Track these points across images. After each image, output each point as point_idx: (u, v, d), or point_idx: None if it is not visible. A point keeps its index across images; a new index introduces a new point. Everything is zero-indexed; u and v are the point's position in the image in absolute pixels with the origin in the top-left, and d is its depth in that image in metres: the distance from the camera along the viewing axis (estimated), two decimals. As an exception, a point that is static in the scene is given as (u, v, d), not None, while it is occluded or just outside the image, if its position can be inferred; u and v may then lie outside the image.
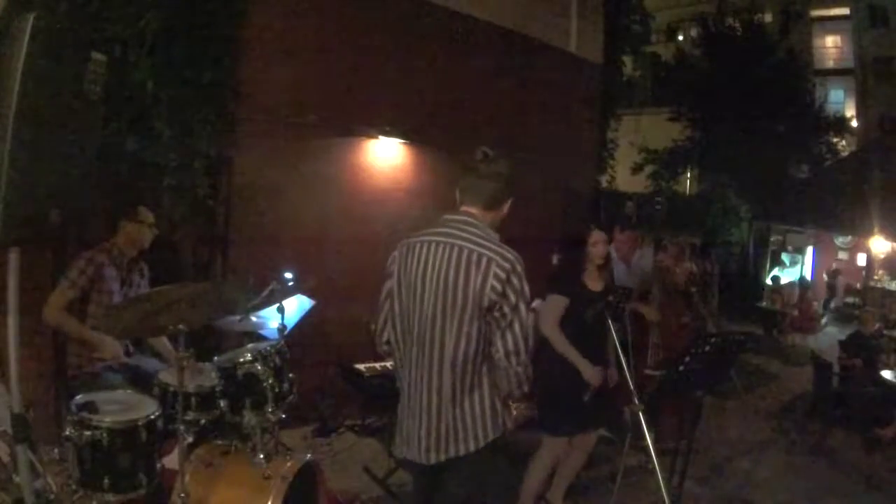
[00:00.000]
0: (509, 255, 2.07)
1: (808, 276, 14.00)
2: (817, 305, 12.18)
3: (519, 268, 2.06)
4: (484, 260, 2.05)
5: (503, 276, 2.03)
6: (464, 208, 2.19)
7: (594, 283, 3.45)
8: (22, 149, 1.93)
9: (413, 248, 2.17)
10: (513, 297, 2.05)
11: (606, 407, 3.67)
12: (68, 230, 3.77)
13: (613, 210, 8.78)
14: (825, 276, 14.70)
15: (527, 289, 2.08)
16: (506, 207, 2.24)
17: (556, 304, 3.36)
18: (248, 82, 4.54)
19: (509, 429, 2.24)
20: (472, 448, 2.14)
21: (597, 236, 3.42)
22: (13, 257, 2.12)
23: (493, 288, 2.03)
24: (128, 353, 3.34)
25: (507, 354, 2.07)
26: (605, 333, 3.39)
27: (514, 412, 2.23)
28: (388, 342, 2.29)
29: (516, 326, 2.06)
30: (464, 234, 2.10)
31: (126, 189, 3.96)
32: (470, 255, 2.06)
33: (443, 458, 2.15)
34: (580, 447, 3.57)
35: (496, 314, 2.05)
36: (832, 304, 13.95)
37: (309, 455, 2.89)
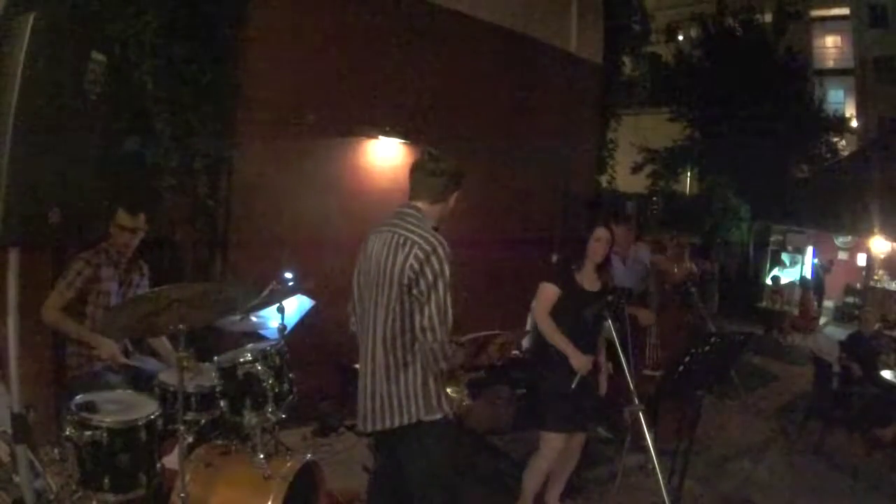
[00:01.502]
0: (432, 240, 2.26)
1: (809, 276, 13.96)
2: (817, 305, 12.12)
3: (440, 251, 2.24)
4: (409, 243, 2.27)
5: (422, 256, 2.23)
6: (411, 202, 2.42)
7: (590, 283, 3.42)
8: (22, 149, 1.93)
9: (369, 238, 2.45)
10: (430, 276, 2.22)
11: (600, 406, 3.67)
12: (68, 230, 3.76)
13: (613, 210, 8.78)
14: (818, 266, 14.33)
15: (447, 271, 2.25)
16: (452, 200, 2.47)
17: (546, 292, 3.37)
18: (248, 82, 4.54)
19: (448, 413, 2.37)
20: (405, 421, 2.31)
21: (600, 232, 3.40)
22: (13, 257, 2.12)
23: (411, 266, 2.23)
24: (126, 354, 3.33)
25: (422, 330, 2.24)
26: (599, 333, 3.39)
27: (455, 395, 2.32)
28: (354, 323, 2.58)
29: (433, 304, 2.23)
30: (401, 223, 2.35)
31: (126, 189, 3.96)
32: (399, 239, 2.30)
33: (378, 427, 2.36)
34: (573, 447, 3.57)
35: (415, 292, 2.24)
36: (824, 303, 13.48)
37: (309, 455, 2.90)
